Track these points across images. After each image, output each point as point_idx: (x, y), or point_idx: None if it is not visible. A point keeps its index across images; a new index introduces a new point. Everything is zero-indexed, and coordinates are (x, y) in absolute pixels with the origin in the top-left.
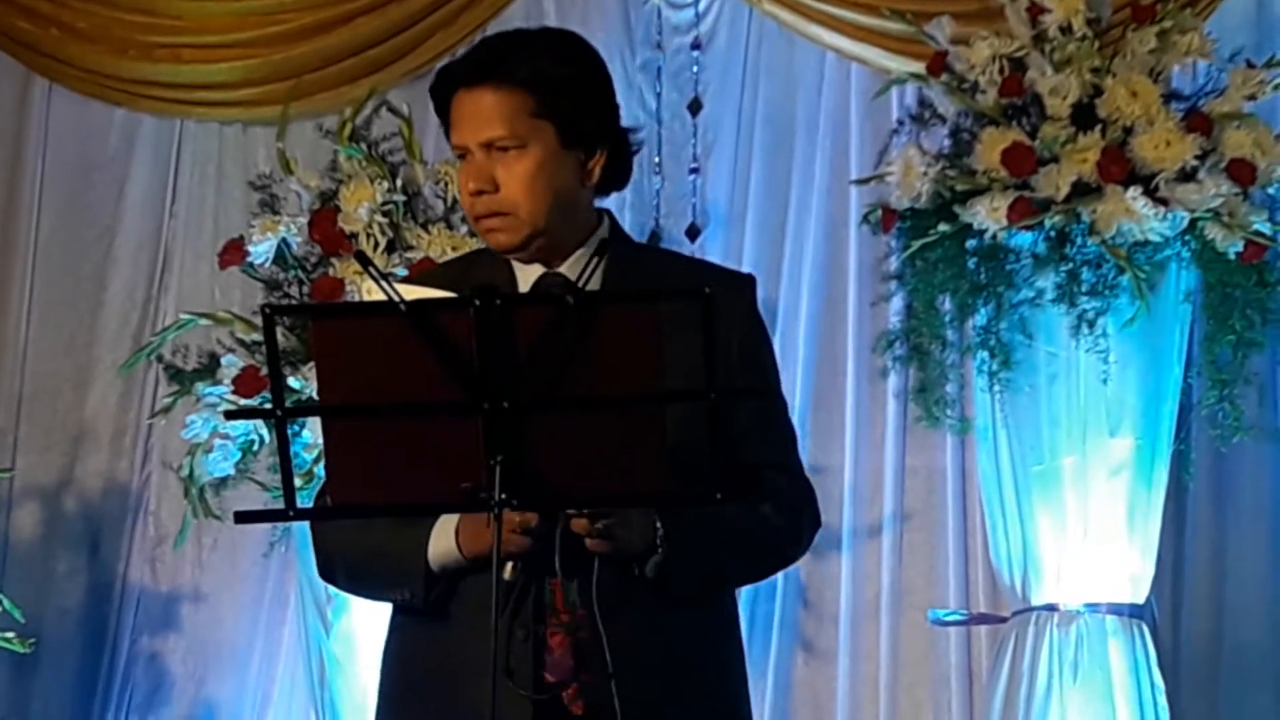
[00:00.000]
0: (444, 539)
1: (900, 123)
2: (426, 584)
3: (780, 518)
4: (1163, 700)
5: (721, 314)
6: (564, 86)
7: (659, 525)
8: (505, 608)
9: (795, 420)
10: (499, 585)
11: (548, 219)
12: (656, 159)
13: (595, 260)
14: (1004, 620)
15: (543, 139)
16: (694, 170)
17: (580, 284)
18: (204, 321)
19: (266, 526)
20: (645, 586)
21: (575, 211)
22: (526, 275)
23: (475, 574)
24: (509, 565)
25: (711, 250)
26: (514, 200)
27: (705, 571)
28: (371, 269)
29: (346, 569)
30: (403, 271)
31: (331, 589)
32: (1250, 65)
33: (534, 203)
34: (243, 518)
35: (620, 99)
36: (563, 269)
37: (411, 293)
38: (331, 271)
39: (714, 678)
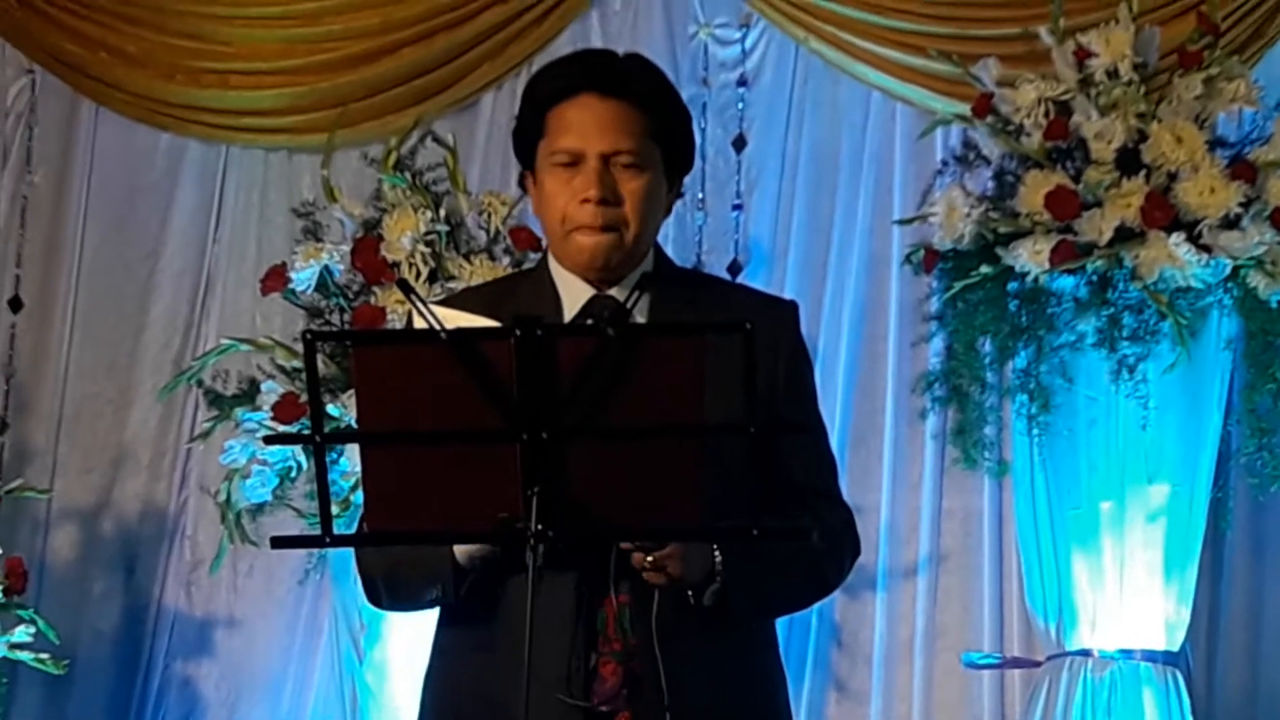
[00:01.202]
0: None
1: (944, 163)
2: (455, 578)
3: (825, 545)
4: None
5: (766, 342)
6: (674, 114)
7: (716, 554)
8: (538, 591)
9: None
10: (534, 610)
11: (643, 242)
12: (700, 194)
13: (638, 294)
14: (1038, 665)
15: (655, 162)
16: (737, 206)
17: (620, 311)
18: (245, 347)
19: (302, 553)
20: (702, 615)
21: (652, 238)
22: (574, 298)
23: (507, 573)
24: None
25: None
26: (627, 217)
27: (760, 599)
28: (414, 296)
29: (385, 583)
30: None
31: (373, 610)
32: None
33: (640, 223)
34: (280, 542)
35: None
36: (612, 292)
37: (453, 321)
38: (373, 300)
39: (763, 707)
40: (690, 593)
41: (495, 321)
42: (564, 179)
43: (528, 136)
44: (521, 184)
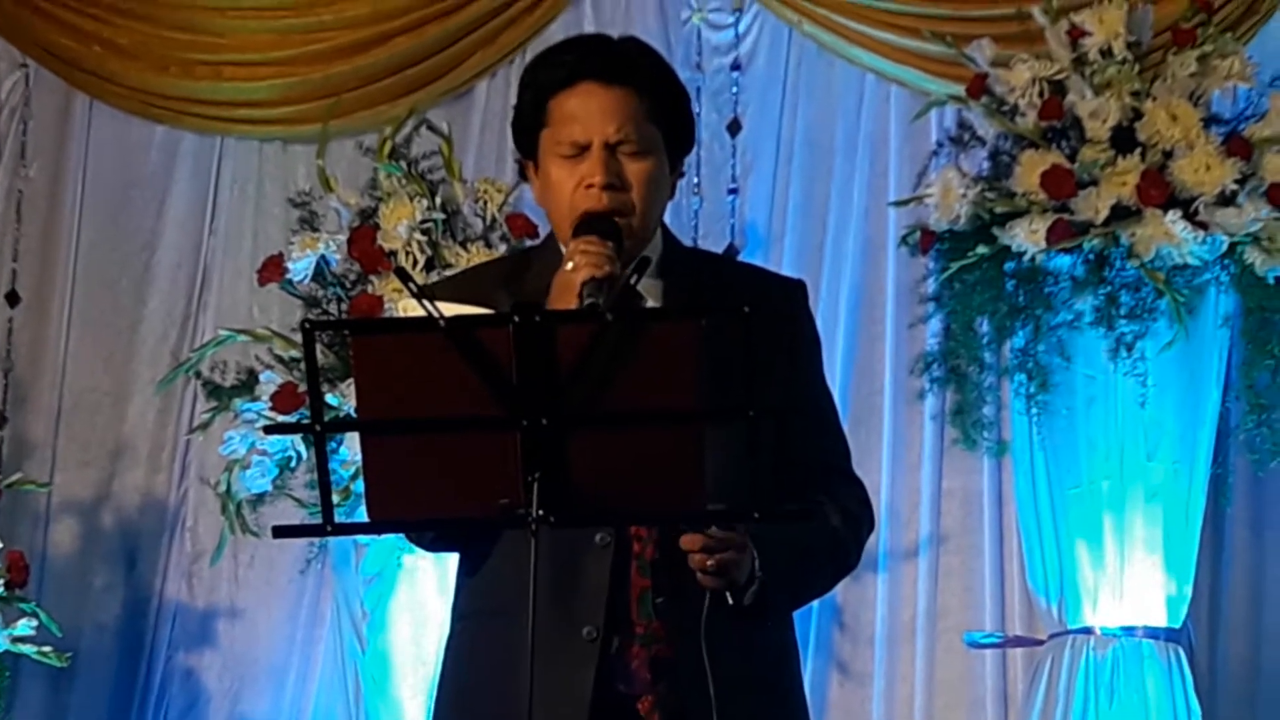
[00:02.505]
0: None
1: (939, 144)
2: None
3: (845, 527)
4: None
5: (779, 323)
6: (675, 98)
7: (755, 555)
8: (539, 576)
9: None
10: (536, 593)
11: (650, 226)
12: (695, 179)
13: (635, 276)
14: (1040, 643)
15: (657, 144)
16: (732, 191)
17: (624, 293)
18: (242, 338)
19: (303, 543)
20: (739, 613)
21: (658, 220)
22: None
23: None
24: (587, 288)
25: None
26: (633, 202)
27: (796, 594)
28: (411, 284)
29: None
30: None
31: (375, 598)
32: None
33: (647, 208)
34: (281, 532)
35: None
36: None
37: (451, 309)
38: (370, 289)
39: (783, 689)
40: (729, 594)
41: (510, 298)
42: (569, 167)
43: (528, 126)
44: (521, 173)
